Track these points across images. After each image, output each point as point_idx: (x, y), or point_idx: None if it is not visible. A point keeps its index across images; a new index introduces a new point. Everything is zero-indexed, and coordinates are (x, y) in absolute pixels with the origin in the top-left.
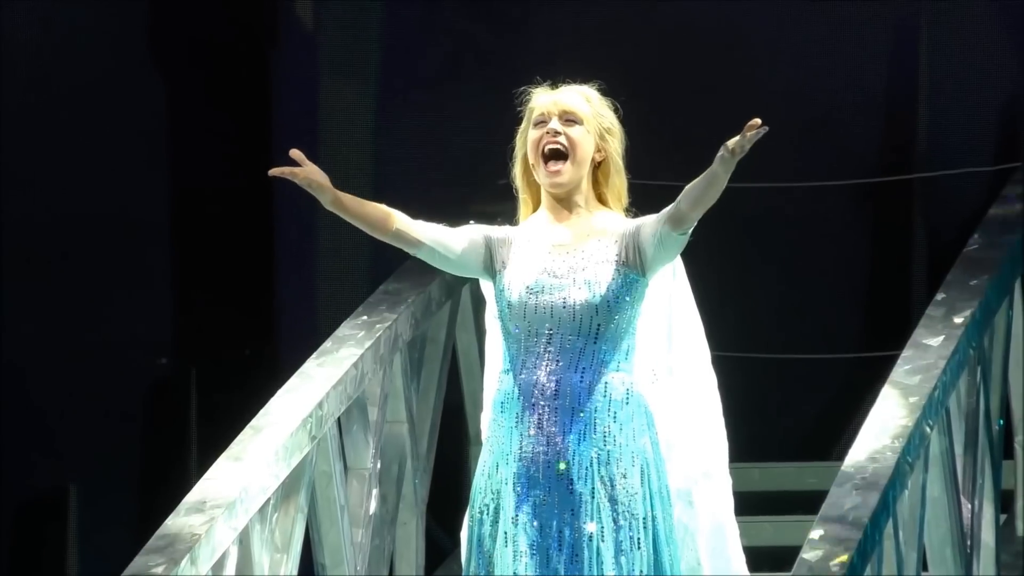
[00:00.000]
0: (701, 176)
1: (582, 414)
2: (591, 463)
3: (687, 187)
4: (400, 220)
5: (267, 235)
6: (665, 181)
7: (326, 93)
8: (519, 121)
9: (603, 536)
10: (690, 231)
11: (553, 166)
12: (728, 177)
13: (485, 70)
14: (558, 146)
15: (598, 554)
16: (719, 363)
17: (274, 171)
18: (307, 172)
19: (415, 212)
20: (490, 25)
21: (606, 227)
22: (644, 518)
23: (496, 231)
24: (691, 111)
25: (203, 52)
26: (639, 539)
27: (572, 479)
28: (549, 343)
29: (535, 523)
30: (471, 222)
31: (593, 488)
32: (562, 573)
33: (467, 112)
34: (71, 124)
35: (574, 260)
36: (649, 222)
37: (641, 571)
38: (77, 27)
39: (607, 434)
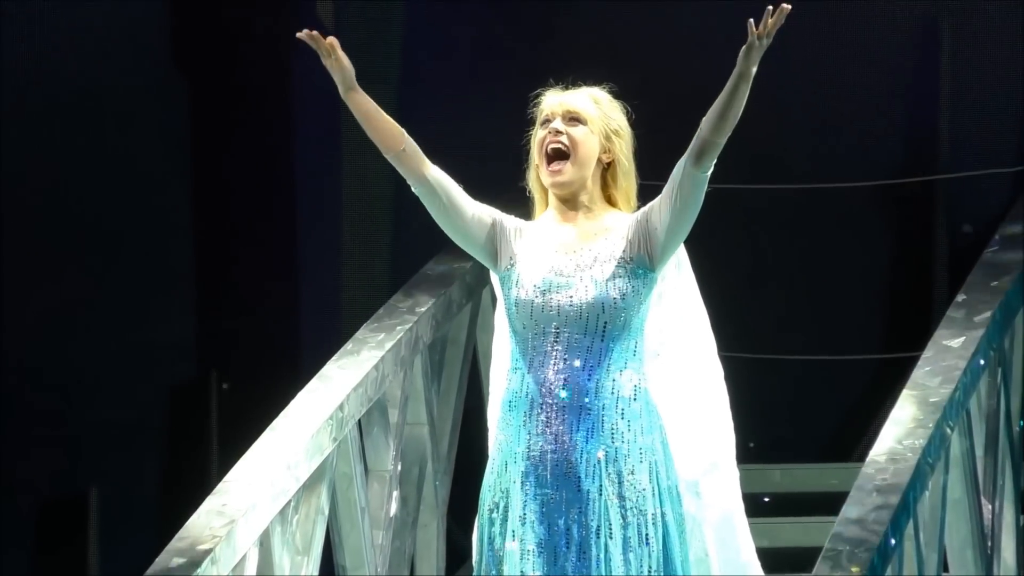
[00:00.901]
0: (722, 91)
1: (590, 412)
2: (599, 461)
3: (707, 114)
4: (411, 143)
5: (290, 239)
6: None
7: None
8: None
9: (611, 533)
10: (711, 168)
11: (555, 166)
12: (751, 78)
13: (504, 74)
14: (559, 145)
15: (606, 551)
16: (744, 364)
17: (302, 34)
18: (335, 47)
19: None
20: (509, 28)
21: (613, 226)
22: (653, 515)
23: (510, 221)
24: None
25: (226, 56)
26: (648, 535)
27: (580, 476)
28: (556, 341)
29: (543, 522)
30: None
31: (601, 485)
32: (570, 572)
33: (487, 115)
34: (95, 128)
35: (580, 259)
36: (659, 197)
37: (650, 568)
38: (104, 32)
39: (615, 431)
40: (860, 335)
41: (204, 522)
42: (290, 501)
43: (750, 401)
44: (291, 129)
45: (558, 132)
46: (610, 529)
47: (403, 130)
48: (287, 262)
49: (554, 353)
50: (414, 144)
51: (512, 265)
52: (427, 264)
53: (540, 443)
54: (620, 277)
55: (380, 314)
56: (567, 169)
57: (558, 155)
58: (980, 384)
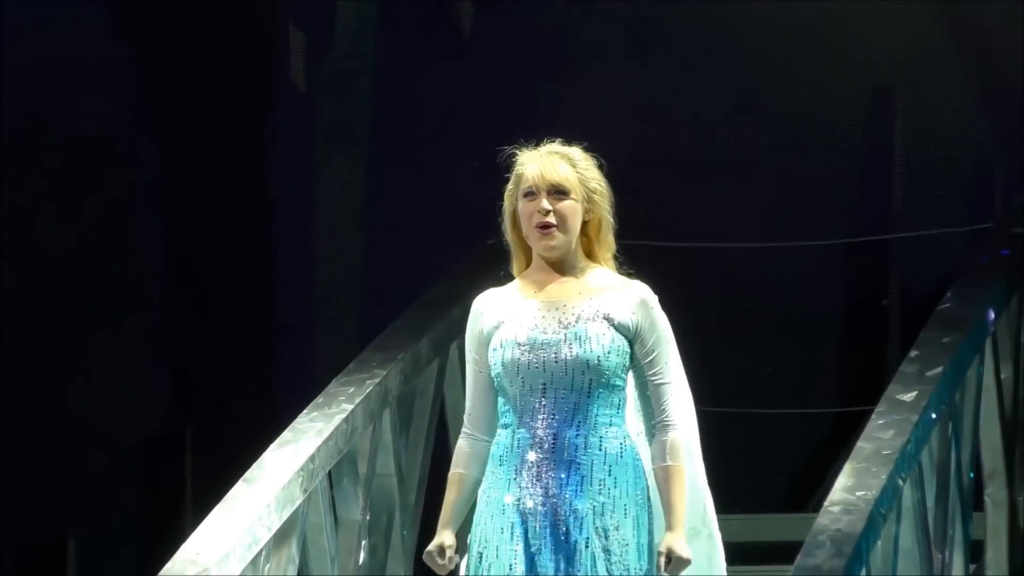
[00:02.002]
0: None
1: (579, 467)
2: (587, 514)
3: (662, 480)
4: (472, 467)
5: (264, 298)
6: (649, 241)
7: (320, 154)
8: (506, 180)
9: None
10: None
11: (546, 239)
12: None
13: (473, 132)
14: (549, 222)
15: None
16: (704, 417)
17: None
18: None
19: (406, 272)
20: (479, 87)
21: (599, 285)
22: (636, 568)
23: (482, 319)
24: (673, 172)
25: (203, 114)
26: None
27: (568, 528)
28: (544, 397)
29: (531, 570)
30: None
31: (588, 538)
32: None
33: (455, 173)
34: (71, 177)
35: (565, 317)
36: (649, 359)
37: None
38: (81, 85)
39: (602, 487)
40: (816, 389)
41: (178, 570)
42: (262, 550)
43: (712, 452)
44: (265, 190)
45: (547, 211)
46: None
47: (461, 473)
48: (261, 319)
49: (543, 409)
50: (470, 463)
51: (496, 331)
52: (396, 320)
53: (529, 496)
54: (603, 336)
55: (351, 368)
56: (557, 239)
57: (548, 226)
58: (932, 437)
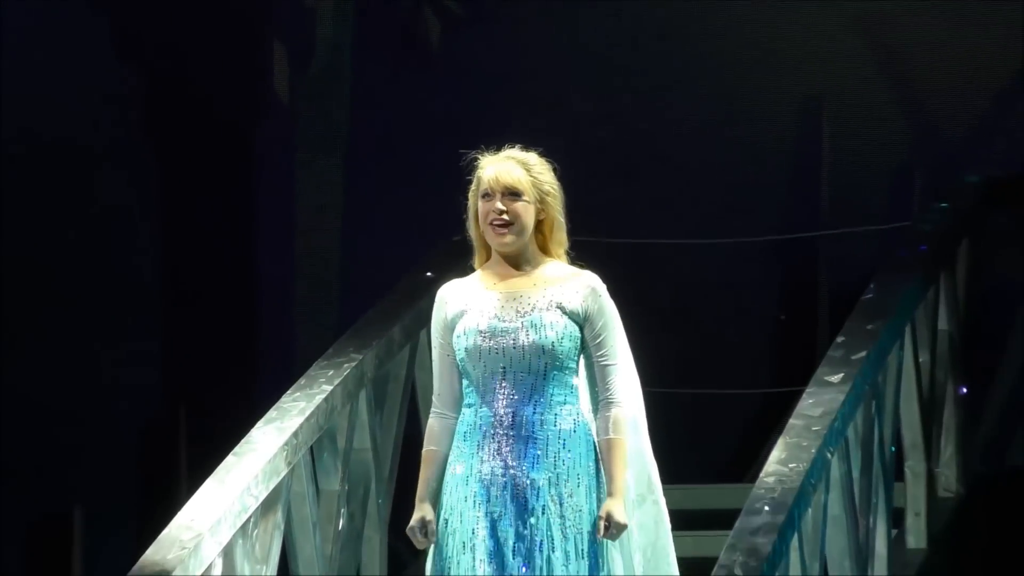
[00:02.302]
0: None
1: (536, 442)
2: (543, 483)
3: (605, 452)
4: (443, 443)
5: (249, 291)
6: (599, 238)
7: (300, 158)
8: (469, 182)
9: (553, 546)
10: None
11: (500, 236)
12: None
13: (440, 137)
14: (503, 221)
15: (549, 562)
16: (651, 397)
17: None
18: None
19: (380, 266)
20: (445, 97)
21: (552, 277)
22: (589, 532)
23: (447, 306)
24: (621, 175)
25: (192, 124)
26: (583, 550)
27: (527, 497)
28: (503, 379)
29: (493, 535)
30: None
31: (545, 505)
32: None
33: (424, 176)
34: (71, 179)
35: (522, 307)
36: (596, 341)
37: (585, 574)
38: (87, 96)
39: (557, 459)
40: (752, 372)
41: (175, 535)
42: (250, 517)
43: (658, 428)
44: (250, 191)
45: (501, 211)
46: (552, 543)
47: (435, 450)
48: (248, 310)
49: (503, 390)
50: (440, 437)
51: (459, 320)
52: (371, 309)
53: (491, 468)
54: (557, 324)
55: (330, 353)
56: (510, 237)
57: (503, 225)
58: (857, 414)
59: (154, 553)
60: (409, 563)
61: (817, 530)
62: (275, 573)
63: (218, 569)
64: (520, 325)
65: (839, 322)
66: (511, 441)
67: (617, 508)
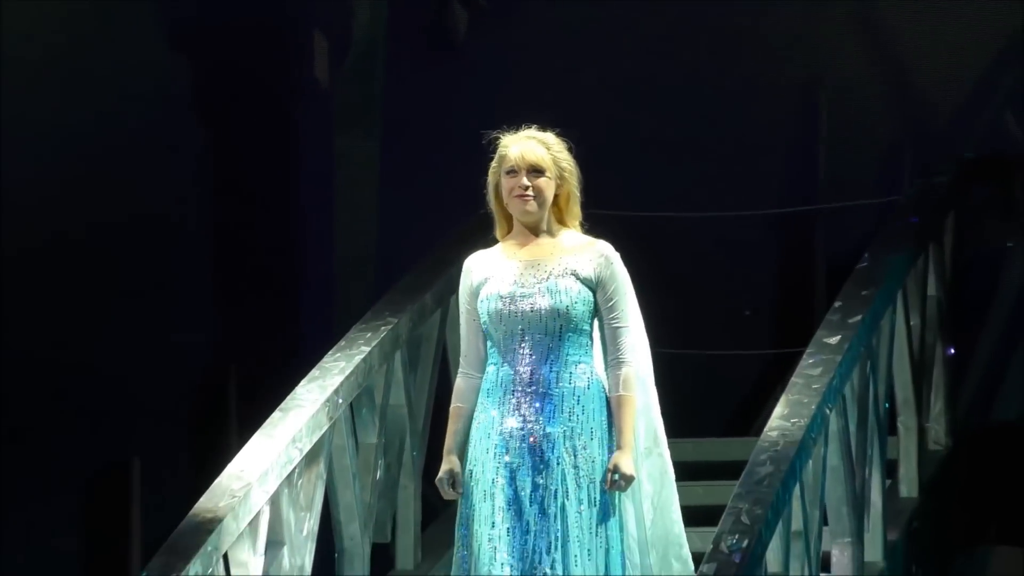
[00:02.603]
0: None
1: (552, 398)
2: (558, 436)
3: (615, 408)
4: (469, 400)
5: (293, 260)
6: (614, 211)
7: (339, 137)
8: (491, 159)
9: (567, 495)
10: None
11: (524, 207)
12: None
13: (467, 117)
14: (528, 194)
15: (563, 510)
16: (663, 357)
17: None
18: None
19: (413, 237)
20: (472, 80)
21: (568, 246)
22: (601, 481)
23: (472, 275)
24: (634, 154)
25: (238, 102)
26: (595, 498)
27: (543, 449)
28: (523, 340)
29: (511, 484)
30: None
31: (559, 456)
32: (532, 524)
33: (453, 153)
34: (130, 158)
35: (539, 274)
36: (608, 305)
37: (597, 522)
38: (141, 84)
39: (571, 414)
40: (756, 334)
41: (226, 485)
42: (295, 468)
43: (671, 386)
44: (294, 168)
45: (526, 187)
46: (567, 492)
47: (460, 406)
48: (293, 277)
49: (522, 350)
50: (466, 395)
51: (483, 287)
52: (405, 276)
53: (511, 422)
54: (571, 289)
55: (368, 316)
56: (533, 207)
57: (527, 198)
58: (853, 374)
59: (207, 501)
60: (441, 510)
61: (817, 480)
62: (318, 519)
63: (265, 516)
64: (537, 290)
65: (836, 289)
66: (529, 397)
67: (624, 461)
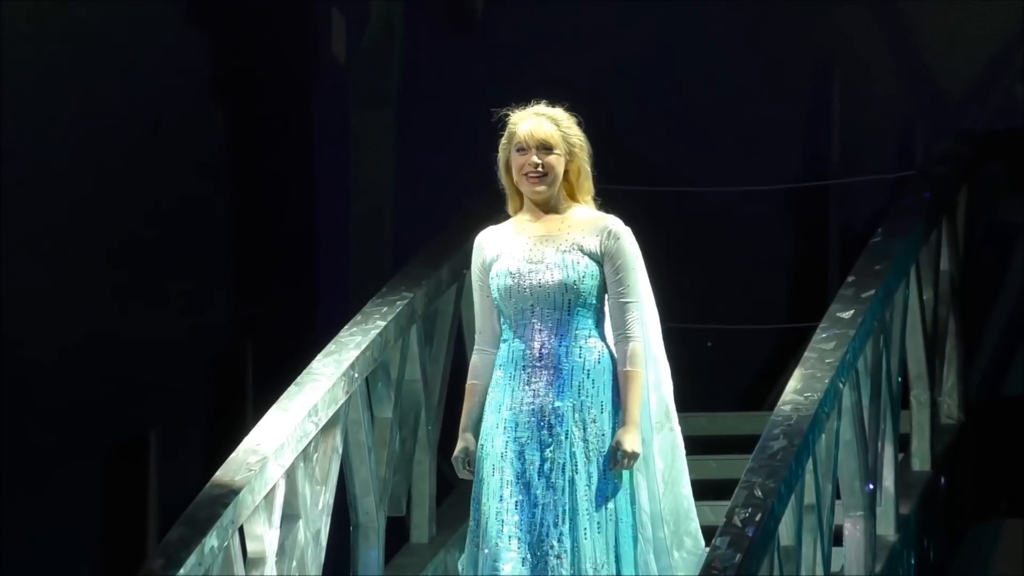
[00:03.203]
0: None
1: (561, 372)
2: (567, 410)
3: (622, 383)
4: (484, 377)
5: (310, 235)
6: (626, 186)
7: (356, 114)
8: (501, 137)
9: (576, 468)
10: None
11: (535, 185)
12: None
13: (482, 94)
14: (539, 173)
15: (571, 483)
16: (679, 332)
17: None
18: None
19: (429, 212)
20: (488, 57)
21: (576, 221)
22: (608, 456)
23: (484, 251)
24: (647, 129)
25: (255, 87)
26: (605, 472)
27: (552, 423)
28: (533, 315)
29: (520, 458)
30: (466, 271)
31: (568, 430)
32: (539, 497)
33: (469, 130)
34: (148, 136)
35: (548, 248)
36: (615, 279)
37: (607, 496)
38: (161, 62)
39: (581, 388)
40: (770, 309)
41: (242, 458)
42: (311, 442)
43: (686, 360)
44: (311, 148)
45: (537, 164)
46: (575, 465)
47: (474, 383)
48: (309, 252)
49: (532, 325)
50: (481, 372)
51: (494, 264)
52: (421, 251)
53: (522, 396)
54: (579, 263)
55: (383, 291)
56: (543, 186)
57: (538, 176)
58: (866, 348)
59: (223, 475)
60: (456, 485)
61: (830, 454)
62: (333, 493)
63: (281, 489)
64: (546, 266)
65: (850, 263)
66: (540, 372)
67: (628, 438)
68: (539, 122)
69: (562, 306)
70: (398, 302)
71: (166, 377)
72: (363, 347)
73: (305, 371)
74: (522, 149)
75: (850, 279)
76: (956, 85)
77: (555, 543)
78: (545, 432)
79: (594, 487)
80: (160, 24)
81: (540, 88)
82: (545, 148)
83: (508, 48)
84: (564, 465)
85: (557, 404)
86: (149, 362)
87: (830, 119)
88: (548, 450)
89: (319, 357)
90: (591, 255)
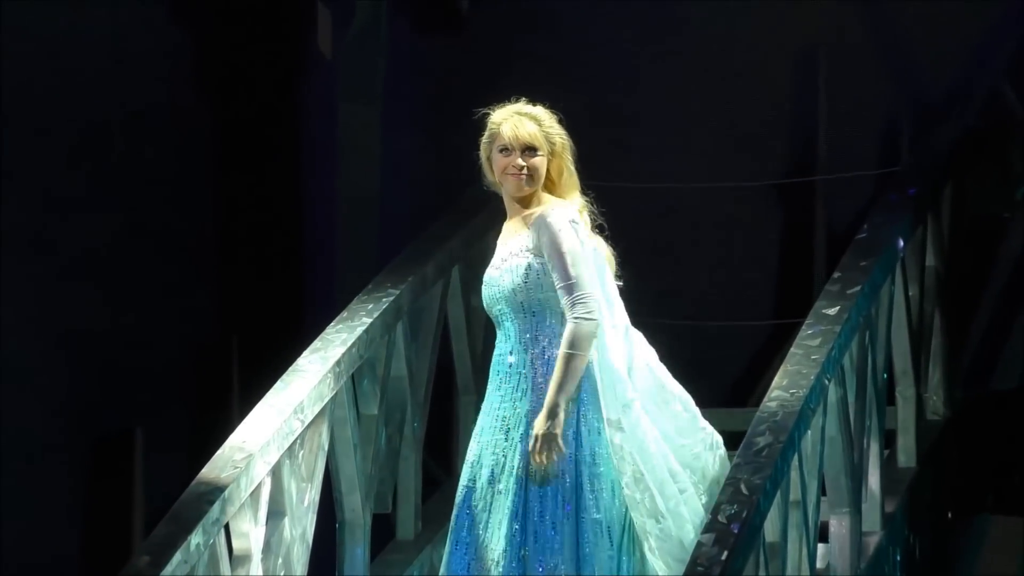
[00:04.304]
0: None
1: (523, 376)
2: (527, 414)
3: (558, 362)
4: None
5: (296, 231)
6: (617, 183)
7: (342, 108)
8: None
9: (525, 471)
10: None
11: (518, 183)
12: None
13: (464, 90)
14: (524, 174)
15: (520, 486)
16: (667, 329)
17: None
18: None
19: (414, 208)
20: (469, 54)
21: (531, 217)
22: (569, 455)
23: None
24: (634, 124)
25: (242, 82)
26: (563, 471)
27: (509, 428)
28: (502, 322)
29: (478, 463)
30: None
31: (523, 433)
32: (487, 502)
33: (452, 125)
34: (134, 128)
35: (505, 251)
36: (550, 268)
37: (563, 498)
38: (147, 57)
39: (542, 391)
40: (756, 305)
41: (228, 455)
42: (297, 439)
43: (668, 357)
44: (296, 143)
45: (521, 167)
46: (524, 467)
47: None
48: (295, 248)
49: (503, 331)
50: None
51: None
52: (407, 248)
53: (492, 401)
54: (521, 264)
55: (369, 288)
56: (528, 188)
57: (521, 177)
58: (852, 344)
59: (209, 471)
60: (442, 481)
61: (816, 450)
62: (319, 490)
63: (267, 487)
64: (503, 272)
65: (835, 259)
66: (510, 377)
67: (538, 420)
68: (521, 122)
69: (520, 310)
70: (384, 299)
71: (152, 373)
72: (349, 344)
73: (291, 368)
74: (505, 150)
75: (836, 275)
76: (942, 81)
77: (502, 543)
78: (502, 436)
79: (549, 489)
80: (145, 19)
81: (525, 82)
82: (529, 149)
83: (494, 41)
84: (513, 468)
85: (518, 408)
86: (135, 358)
87: (816, 115)
88: (501, 455)
89: (305, 354)
90: (535, 251)
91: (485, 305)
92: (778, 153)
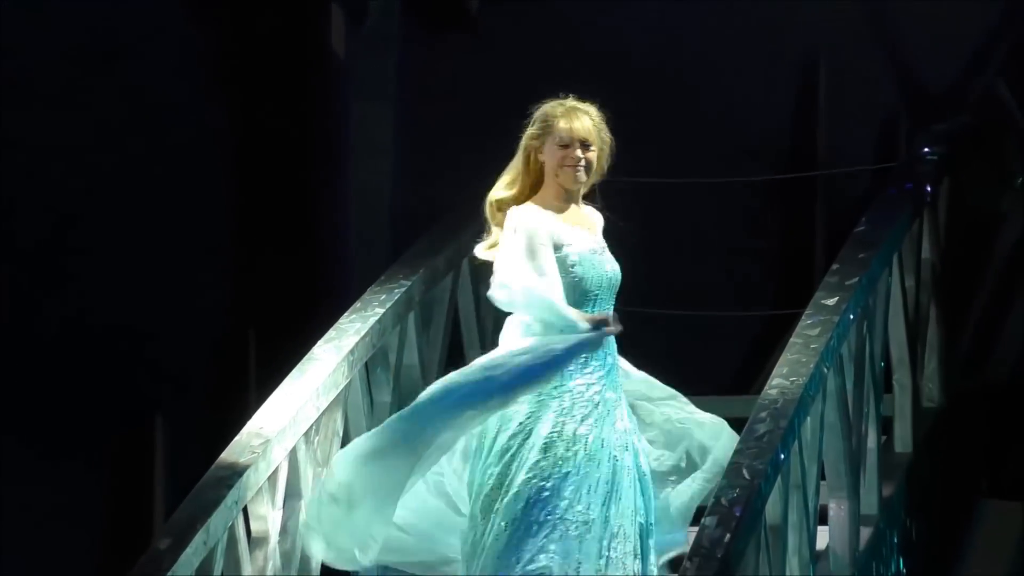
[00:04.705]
0: None
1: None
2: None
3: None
4: None
5: (311, 225)
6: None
7: (356, 106)
8: (515, 127)
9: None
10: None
11: (577, 177)
12: None
13: (475, 90)
14: (582, 167)
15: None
16: (674, 319)
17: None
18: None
19: (426, 202)
20: (480, 55)
21: (591, 215)
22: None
23: (552, 230)
24: (640, 122)
25: (261, 74)
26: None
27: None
28: (596, 304)
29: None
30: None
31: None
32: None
33: (462, 122)
34: (150, 126)
35: (592, 240)
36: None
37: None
38: (161, 55)
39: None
40: (758, 296)
41: (245, 441)
42: (313, 425)
43: (673, 346)
44: (311, 139)
45: (579, 159)
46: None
47: None
48: (310, 241)
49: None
50: None
51: (564, 246)
52: (418, 241)
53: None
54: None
55: (382, 279)
56: (584, 180)
57: (579, 169)
58: (850, 334)
59: (227, 457)
60: None
61: (815, 436)
62: None
63: (284, 471)
64: (605, 259)
65: (834, 252)
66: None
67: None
68: (580, 116)
69: (613, 297)
70: (396, 289)
71: (172, 363)
72: (362, 333)
73: (306, 357)
74: (564, 143)
75: (835, 267)
76: (939, 78)
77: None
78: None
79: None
80: (160, 17)
81: (536, 80)
82: (585, 144)
83: (505, 40)
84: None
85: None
86: (155, 348)
87: (815, 111)
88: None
89: (320, 343)
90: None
91: (582, 282)
92: (779, 148)
